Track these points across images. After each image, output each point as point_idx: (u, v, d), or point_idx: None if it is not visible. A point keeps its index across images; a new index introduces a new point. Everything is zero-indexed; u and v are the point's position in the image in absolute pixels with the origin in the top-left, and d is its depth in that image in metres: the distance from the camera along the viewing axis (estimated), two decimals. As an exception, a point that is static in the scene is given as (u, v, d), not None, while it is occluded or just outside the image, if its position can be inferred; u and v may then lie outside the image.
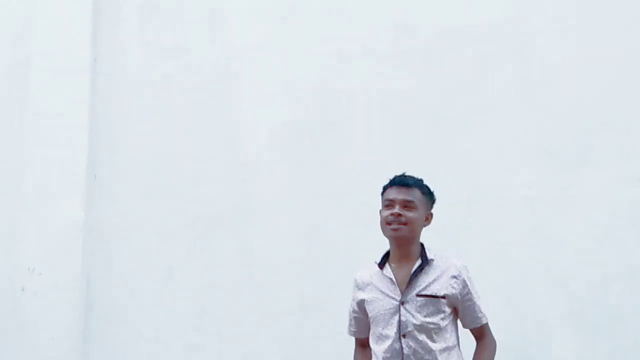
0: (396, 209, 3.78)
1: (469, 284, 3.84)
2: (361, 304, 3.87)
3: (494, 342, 3.92)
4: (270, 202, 5.93)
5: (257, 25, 6.26)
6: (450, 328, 3.80)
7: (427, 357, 3.65)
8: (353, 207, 5.83)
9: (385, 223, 3.81)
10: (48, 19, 6.16)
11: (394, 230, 3.78)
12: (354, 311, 3.95)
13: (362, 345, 3.97)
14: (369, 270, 3.94)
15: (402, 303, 3.72)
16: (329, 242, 5.82)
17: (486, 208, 5.75)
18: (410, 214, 3.79)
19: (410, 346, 3.66)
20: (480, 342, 3.92)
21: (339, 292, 5.42)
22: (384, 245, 5.12)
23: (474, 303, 3.87)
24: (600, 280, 5.59)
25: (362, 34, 6.15)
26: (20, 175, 5.89)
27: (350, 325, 4.01)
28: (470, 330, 3.92)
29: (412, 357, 3.65)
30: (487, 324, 3.91)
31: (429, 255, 3.84)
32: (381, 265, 3.88)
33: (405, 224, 3.77)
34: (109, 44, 6.24)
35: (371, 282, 3.86)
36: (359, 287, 3.91)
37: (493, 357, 3.88)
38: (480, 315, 3.89)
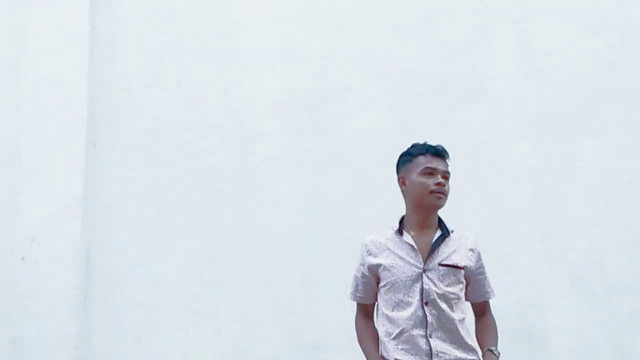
0: (440, 179, 3.79)
1: (481, 258, 3.89)
2: (375, 268, 3.81)
3: (495, 320, 3.94)
4: (270, 171, 5.92)
5: (257, -7, 6.25)
6: (463, 300, 3.83)
7: (449, 325, 3.66)
8: (353, 176, 5.85)
9: (429, 191, 3.77)
10: (47, -13, 6.14)
11: (438, 198, 3.78)
12: (363, 276, 3.87)
13: (366, 313, 3.92)
14: (382, 236, 3.90)
15: (424, 271, 3.73)
16: (328, 210, 5.83)
17: (485, 178, 5.76)
18: (448, 185, 3.82)
19: (434, 314, 3.66)
20: (483, 318, 3.94)
21: (339, 261, 5.46)
22: (384, 213, 5.11)
23: (485, 277, 3.91)
24: (599, 249, 5.63)
25: (362, 2, 6.13)
26: (20, 144, 5.87)
27: (356, 290, 3.92)
28: (474, 305, 3.93)
29: (435, 324, 3.65)
30: (489, 301, 3.95)
31: (449, 227, 3.88)
32: (399, 231, 3.86)
33: (445, 194, 3.80)
34: (108, 12, 6.20)
35: (387, 248, 3.82)
36: (371, 252, 3.85)
37: (497, 331, 3.92)
38: (488, 290, 3.93)
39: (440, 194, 3.77)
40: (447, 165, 3.88)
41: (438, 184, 3.77)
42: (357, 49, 6.06)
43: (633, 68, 5.84)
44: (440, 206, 3.82)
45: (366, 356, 3.82)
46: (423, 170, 3.82)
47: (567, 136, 5.81)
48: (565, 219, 5.67)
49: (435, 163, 3.83)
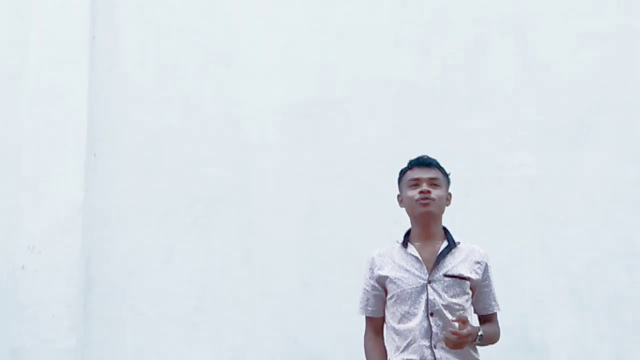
0: (424, 187, 3.85)
1: (488, 270, 3.94)
2: (382, 280, 3.86)
3: (499, 330, 3.97)
4: (270, 181, 5.91)
5: (257, 2, 6.24)
6: (470, 311, 3.86)
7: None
8: (353, 186, 5.84)
9: (415, 201, 3.86)
10: (47, -3, 6.15)
11: (424, 205, 3.84)
12: (373, 288, 3.91)
13: (376, 329, 3.93)
14: (388, 249, 3.96)
15: (428, 282, 3.75)
16: (328, 221, 5.82)
17: (485, 187, 5.76)
18: (437, 192, 3.87)
19: (439, 324, 3.69)
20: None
21: (339, 271, 5.48)
22: (384, 224, 5.15)
23: (491, 290, 3.96)
24: (599, 260, 5.62)
25: (362, 11, 6.14)
26: (20, 153, 5.87)
27: (367, 304, 3.94)
28: (480, 317, 3.96)
29: (439, 335, 3.67)
30: (496, 314, 3.98)
31: (455, 239, 3.92)
32: (404, 243, 3.90)
33: (433, 199, 3.83)
34: (108, 22, 6.20)
35: (393, 260, 3.87)
36: (378, 265, 3.91)
37: (497, 338, 3.94)
38: (493, 303, 3.97)
39: (425, 199, 3.83)
40: (437, 172, 3.94)
41: (421, 191, 3.84)
42: (357, 59, 6.06)
43: (633, 78, 5.84)
44: (430, 213, 3.86)
45: None
46: (409, 183, 3.94)
47: (567, 146, 5.81)
48: (565, 229, 5.66)
49: (419, 173, 3.92)
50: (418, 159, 3.98)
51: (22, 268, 5.68)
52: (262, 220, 5.89)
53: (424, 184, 3.86)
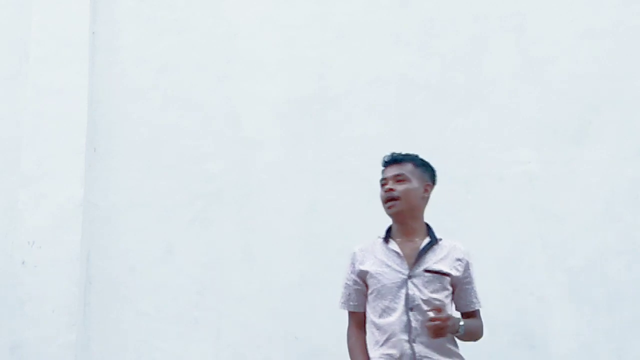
0: (388, 185, 3.88)
1: (470, 268, 3.92)
2: (363, 275, 3.87)
3: (482, 325, 3.97)
4: (270, 178, 5.92)
5: (257, 0, 6.25)
6: (450, 308, 3.86)
7: None
8: (352, 184, 5.84)
9: (383, 201, 3.91)
10: (47, -6, 6.15)
11: (389, 207, 3.87)
12: (355, 283, 3.92)
13: (359, 324, 3.93)
14: (370, 244, 3.97)
15: (409, 277, 3.76)
16: (328, 218, 5.83)
17: (486, 184, 5.77)
18: (401, 187, 3.86)
19: (418, 319, 3.69)
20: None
21: (338, 268, 5.43)
22: (383, 221, 5.14)
23: (472, 287, 3.95)
24: (599, 256, 5.62)
25: (362, 9, 6.14)
26: (20, 149, 5.88)
27: (349, 299, 3.96)
28: (463, 315, 3.95)
29: (419, 329, 3.68)
30: (479, 311, 3.98)
31: (437, 236, 3.92)
32: (385, 239, 3.91)
33: (397, 198, 3.84)
34: (108, 18, 6.22)
35: (374, 256, 3.88)
36: (359, 260, 3.92)
37: (480, 333, 3.94)
38: (475, 300, 3.95)
39: (389, 201, 3.86)
40: (403, 166, 3.92)
41: (386, 191, 3.88)
42: (357, 56, 6.07)
43: (633, 75, 5.84)
44: (395, 213, 3.88)
45: None
46: (380, 183, 3.98)
47: (567, 143, 5.81)
48: (565, 226, 5.67)
49: (386, 172, 3.96)
50: (386, 157, 4.01)
51: (22, 263, 5.69)
52: (262, 216, 5.90)
53: (389, 181, 3.90)
